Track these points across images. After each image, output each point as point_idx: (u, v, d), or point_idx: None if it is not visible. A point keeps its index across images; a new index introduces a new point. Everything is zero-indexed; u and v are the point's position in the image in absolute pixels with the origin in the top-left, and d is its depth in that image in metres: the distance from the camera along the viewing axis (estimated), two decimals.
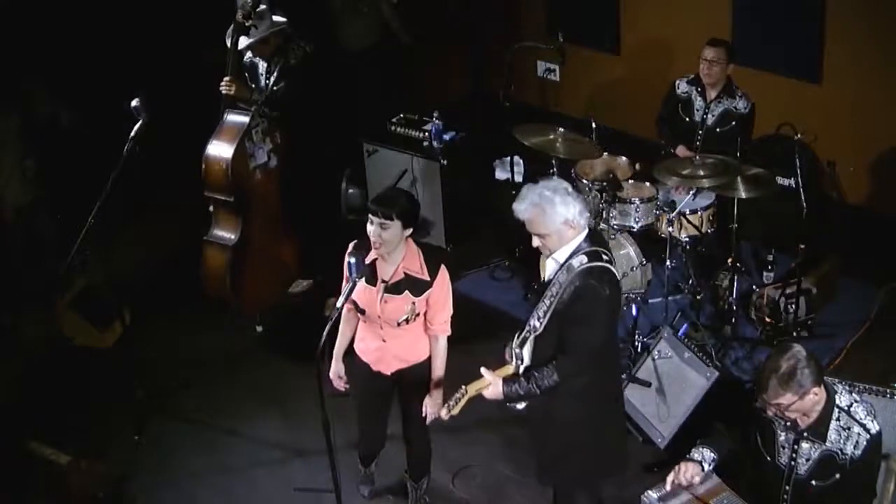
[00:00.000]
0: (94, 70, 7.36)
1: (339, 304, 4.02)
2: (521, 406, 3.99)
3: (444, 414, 3.99)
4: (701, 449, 3.93)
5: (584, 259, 3.78)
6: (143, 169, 5.35)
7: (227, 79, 5.65)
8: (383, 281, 4.21)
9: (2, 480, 4.94)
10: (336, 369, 4.51)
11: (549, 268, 3.91)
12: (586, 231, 3.86)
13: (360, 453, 4.86)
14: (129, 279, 6.35)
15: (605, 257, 3.83)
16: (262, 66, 5.99)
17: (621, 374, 4.10)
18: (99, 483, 4.88)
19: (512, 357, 4.00)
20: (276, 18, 5.89)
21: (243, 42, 5.73)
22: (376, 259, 4.22)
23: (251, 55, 6.02)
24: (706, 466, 3.89)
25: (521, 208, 3.83)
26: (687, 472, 3.85)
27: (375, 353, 4.39)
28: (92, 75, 7.27)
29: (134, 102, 5.07)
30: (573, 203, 3.79)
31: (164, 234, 7.20)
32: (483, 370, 3.94)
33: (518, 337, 3.98)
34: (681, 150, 6.08)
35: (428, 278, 4.20)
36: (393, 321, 4.24)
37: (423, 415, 4.37)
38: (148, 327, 6.13)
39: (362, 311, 4.31)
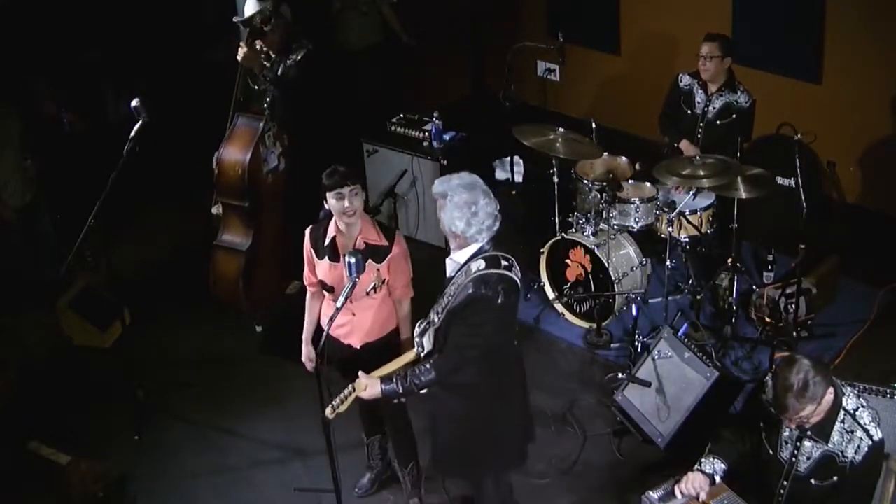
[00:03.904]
0: (94, 70, 7.37)
1: (338, 305, 4.07)
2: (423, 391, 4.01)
3: (328, 413, 3.99)
4: (713, 460, 3.93)
5: (482, 264, 3.81)
6: (144, 169, 5.34)
7: (243, 45, 5.59)
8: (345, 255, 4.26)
9: (2, 480, 4.94)
10: (307, 352, 4.66)
11: (449, 266, 3.95)
12: (482, 242, 3.85)
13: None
14: (129, 279, 6.34)
15: (504, 263, 3.85)
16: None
17: (522, 370, 4.16)
18: (99, 483, 4.88)
19: (415, 344, 4.11)
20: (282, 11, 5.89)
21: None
22: (335, 236, 4.38)
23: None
24: (717, 479, 3.89)
25: (435, 189, 3.87)
26: (695, 483, 3.86)
27: (346, 327, 4.49)
28: (92, 75, 7.29)
29: (134, 102, 5.08)
30: (472, 223, 3.79)
31: (164, 234, 7.21)
32: (361, 373, 3.99)
33: (420, 326, 4.07)
34: (684, 145, 6.06)
35: (386, 243, 4.36)
36: (361, 291, 4.34)
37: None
38: (148, 327, 6.13)
39: (330, 290, 4.41)
